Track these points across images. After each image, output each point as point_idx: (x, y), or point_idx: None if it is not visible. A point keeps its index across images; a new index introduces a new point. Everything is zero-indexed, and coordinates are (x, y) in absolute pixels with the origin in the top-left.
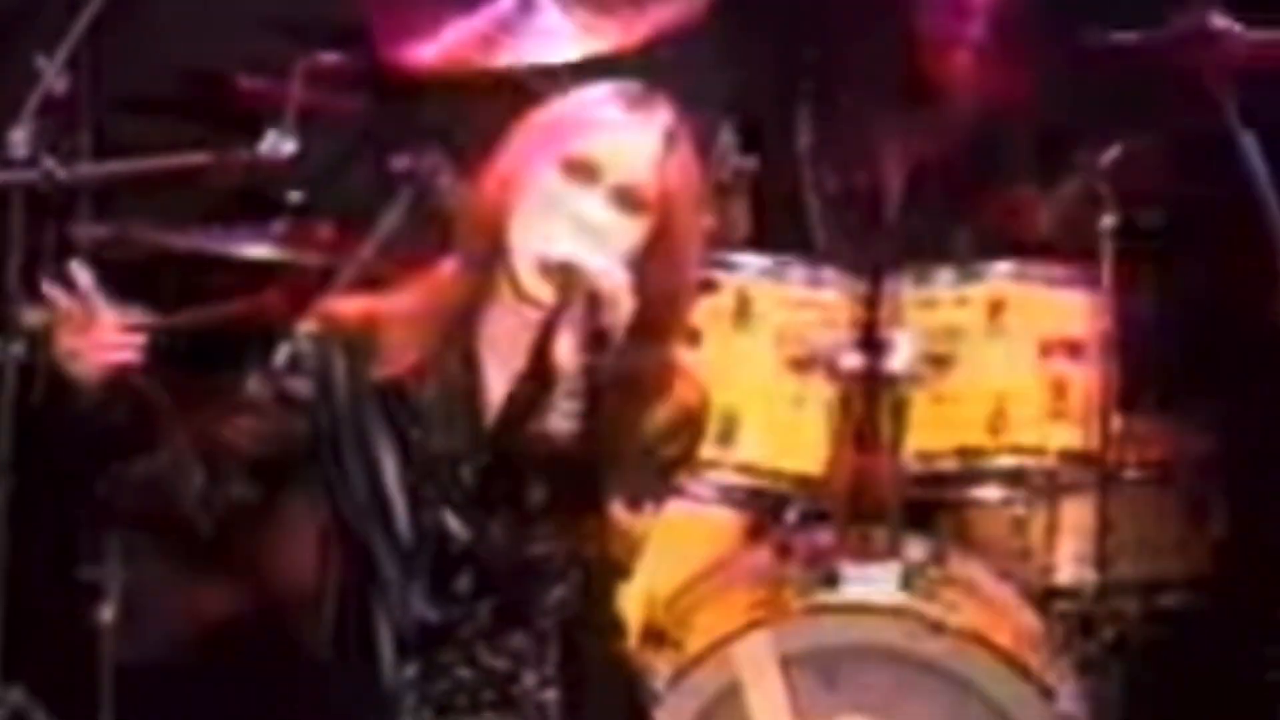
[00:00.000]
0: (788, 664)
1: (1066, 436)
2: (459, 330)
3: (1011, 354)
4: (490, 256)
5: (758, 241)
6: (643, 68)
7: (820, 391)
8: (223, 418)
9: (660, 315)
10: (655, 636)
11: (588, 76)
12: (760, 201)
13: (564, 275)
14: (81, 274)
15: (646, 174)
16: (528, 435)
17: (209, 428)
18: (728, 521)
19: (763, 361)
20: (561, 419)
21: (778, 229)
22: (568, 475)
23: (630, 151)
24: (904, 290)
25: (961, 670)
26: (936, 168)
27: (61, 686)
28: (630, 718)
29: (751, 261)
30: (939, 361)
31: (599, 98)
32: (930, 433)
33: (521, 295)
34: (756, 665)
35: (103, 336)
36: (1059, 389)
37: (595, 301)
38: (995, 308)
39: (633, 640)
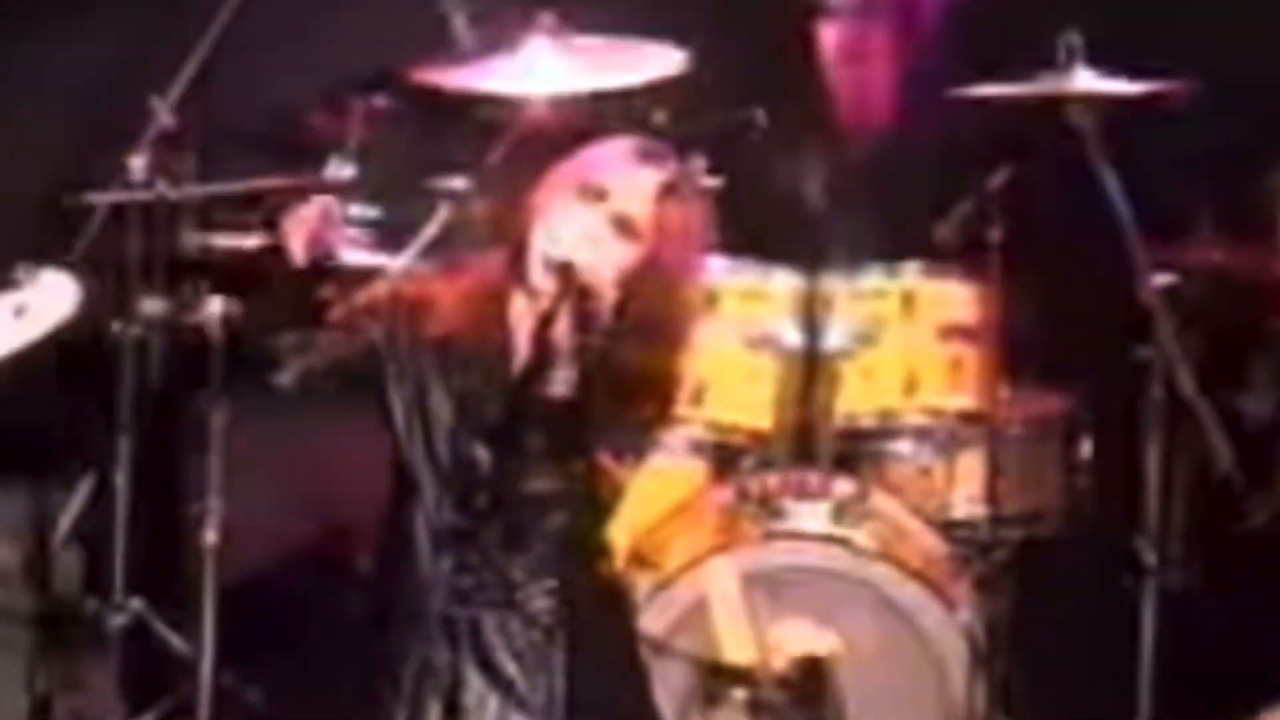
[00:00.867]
0: (744, 581)
1: (963, 401)
2: (495, 306)
3: (920, 336)
4: (519, 255)
5: (721, 246)
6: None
7: (770, 365)
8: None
9: (652, 328)
10: (637, 559)
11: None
12: (724, 214)
13: (562, 272)
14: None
15: (644, 209)
16: (534, 396)
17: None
18: (697, 468)
19: (725, 341)
20: (560, 385)
21: (736, 236)
22: (562, 430)
23: (634, 188)
24: (836, 284)
25: (882, 585)
26: (857, 182)
27: (174, 598)
28: (616, 625)
29: (717, 263)
30: (864, 340)
31: (622, 148)
32: (856, 397)
33: (530, 286)
34: (720, 582)
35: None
36: (957, 364)
37: (585, 293)
38: (908, 299)
39: (619, 562)
